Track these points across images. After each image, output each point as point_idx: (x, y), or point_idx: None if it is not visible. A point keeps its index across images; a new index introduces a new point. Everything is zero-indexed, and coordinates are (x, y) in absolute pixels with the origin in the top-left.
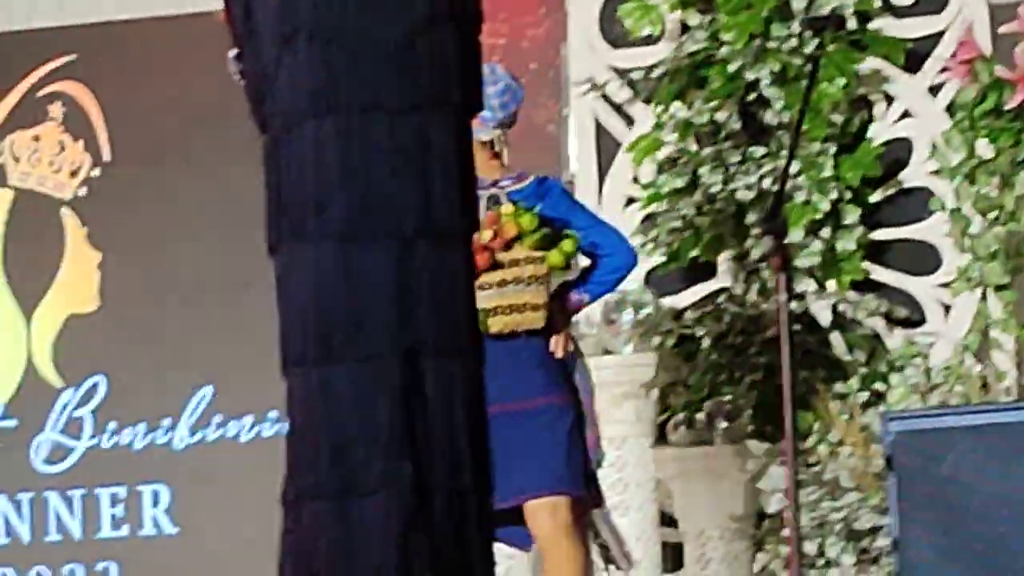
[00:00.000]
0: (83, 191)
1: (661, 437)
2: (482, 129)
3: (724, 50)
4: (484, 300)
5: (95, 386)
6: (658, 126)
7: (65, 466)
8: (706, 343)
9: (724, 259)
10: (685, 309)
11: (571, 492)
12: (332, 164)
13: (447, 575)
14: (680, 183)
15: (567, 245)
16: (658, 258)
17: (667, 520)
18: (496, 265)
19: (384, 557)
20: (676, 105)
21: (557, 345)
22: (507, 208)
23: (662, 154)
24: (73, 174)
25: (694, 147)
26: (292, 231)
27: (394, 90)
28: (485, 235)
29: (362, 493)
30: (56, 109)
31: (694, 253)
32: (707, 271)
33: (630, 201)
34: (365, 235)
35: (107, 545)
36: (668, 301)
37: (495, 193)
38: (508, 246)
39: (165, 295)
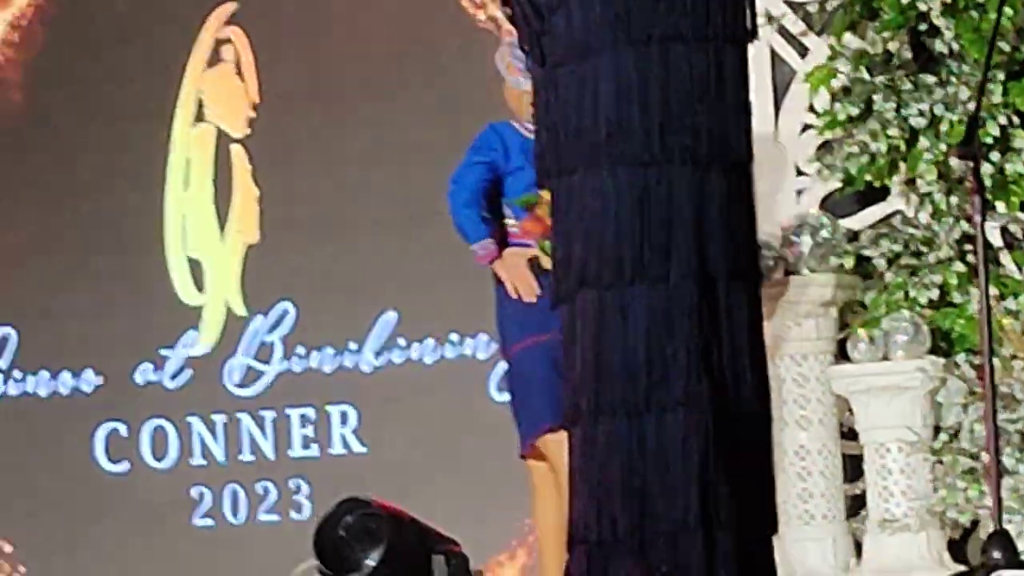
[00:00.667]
0: (248, 130)
1: (841, 354)
2: (526, 80)
3: None
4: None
5: (284, 313)
6: (832, 56)
7: (257, 389)
8: (881, 263)
9: (897, 182)
10: (861, 231)
11: None
12: (632, 92)
13: (743, 492)
14: (855, 111)
15: None
16: (835, 183)
17: (847, 434)
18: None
19: (684, 475)
20: (849, 36)
21: None
22: None
23: (837, 83)
24: (239, 115)
25: (867, 76)
26: (585, 157)
27: (690, 22)
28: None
29: (660, 411)
30: (228, 52)
31: (869, 177)
32: (881, 194)
33: (805, 128)
34: (663, 160)
35: (297, 464)
36: (845, 223)
37: None
38: None
39: (351, 223)
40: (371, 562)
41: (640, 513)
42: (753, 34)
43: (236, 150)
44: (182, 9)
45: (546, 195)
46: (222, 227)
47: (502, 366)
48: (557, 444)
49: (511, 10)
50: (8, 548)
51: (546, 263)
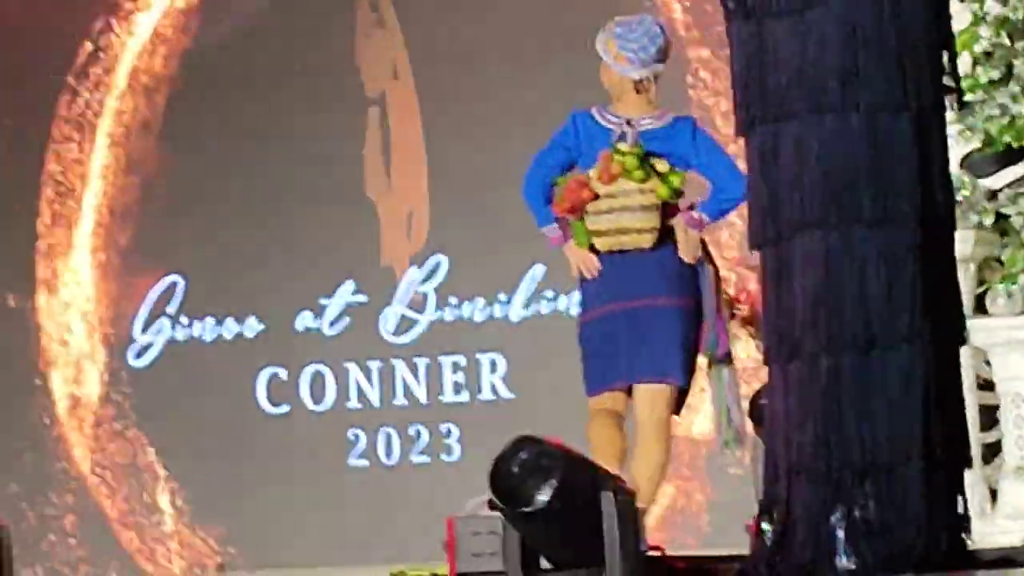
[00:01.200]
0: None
1: (979, 308)
2: (632, 68)
3: None
4: (592, 224)
5: (438, 264)
6: (975, 22)
7: (411, 337)
8: (1019, 221)
9: None
10: (999, 190)
11: (675, 382)
12: (861, 39)
13: (951, 418)
14: (996, 74)
15: (675, 181)
16: (975, 143)
17: (983, 385)
18: (599, 196)
19: (908, 411)
20: (991, 2)
21: (686, 251)
22: (622, 147)
23: (979, 48)
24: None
25: (1008, 42)
26: (813, 102)
27: None
28: (591, 172)
29: (886, 347)
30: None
31: (1008, 139)
32: (1019, 155)
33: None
34: (891, 107)
35: (449, 409)
36: (984, 183)
37: (625, 131)
38: (611, 179)
39: (501, 181)
40: (543, 497)
41: (865, 445)
42: None
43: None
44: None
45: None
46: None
47: None
48: (643, 396)
49: None
50: (175, 485)
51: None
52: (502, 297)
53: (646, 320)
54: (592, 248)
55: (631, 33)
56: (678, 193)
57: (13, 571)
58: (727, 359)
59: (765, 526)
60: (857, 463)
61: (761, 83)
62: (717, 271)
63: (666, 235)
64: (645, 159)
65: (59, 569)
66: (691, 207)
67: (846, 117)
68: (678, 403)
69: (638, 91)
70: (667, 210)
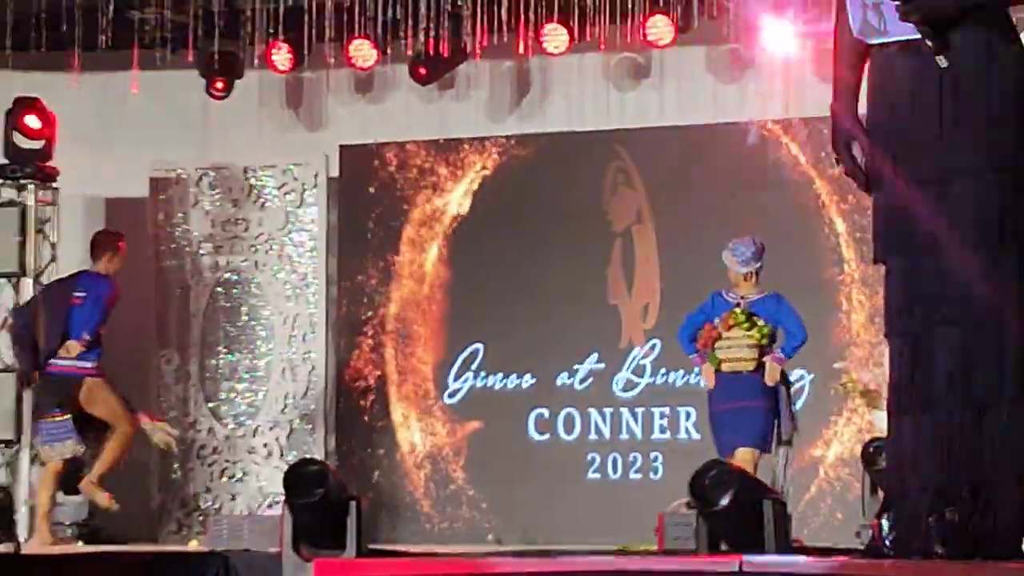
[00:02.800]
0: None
1: None
2: (744, 266)
3: None
4: (721, 354)
5: (655, 345)
6: None
7: (633, 394)
8: None
9: None
10: None
11: (760, 448)
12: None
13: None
14: None
15: (766, 330)
16: None
17: None
18: (722, 338)
19: (1000, 460)
20: None
21: (769, 378)
22: (737, 311)
23: None
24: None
25: None
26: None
27: None
28: (716, 322)
29: (988, 407)
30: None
31: None
32: None
33: None
34: (945, 180)
35: (656, 443)
36: None
37: (739, 302)
38: (729, 328)
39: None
40: (724, 501)
41: (937, 477)
42: None
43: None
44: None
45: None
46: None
47: None
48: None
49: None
50: (472, 491)
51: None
52: (696, 370)
53: (746, 414)
54: (717, 369)
55: (740, 247)
56: (771, 339)
57: None
58: (789, 442)
59: (884, 522)
60: (930, 486)
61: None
62: (789, 389)
63: (761, 365)
64: (750, 316)
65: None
66: (775, 349)
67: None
68: (757, 463)
69: (746, 279)
70: (762, 350)
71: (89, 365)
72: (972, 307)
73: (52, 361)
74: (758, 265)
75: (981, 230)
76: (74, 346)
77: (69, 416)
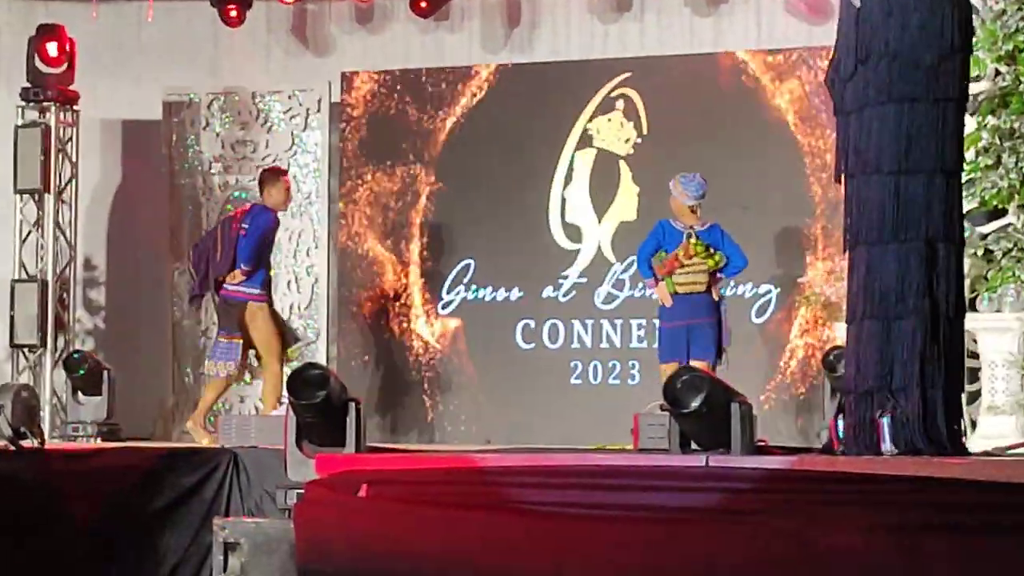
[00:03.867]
0: (632, 151)
1: (971, 307)
2: (695, 199)
3: None
4: (679, 278)
5: (631, 262)
6: (979, 128)
7: (613, 305)
8: (999, 254)
9: (1013, 207)
10: (988, 234)
11: (713, 360)
12: (889, 131)
13: (949, 370)
14: (989, 161)
15: (717, 259)
16: (975, 203)
17: (972, 355)
18: (683, 265)
19: (911, 360)
20: (989, 117)
21: (715, 293)
22: (692, 240)
23: (981, 144)
24: (626, 141)
25: (998, 141)
26: (860, 168)
27: (929, 90)
28: (679, 251)
29: (898, 317)
30: (620, 103)
31: (995, 202)
32: (1001, 212)
33: None
34: (906, 171)
35: (633, 351)
36: (979, 229)
37: (690, 232)
38: (689, 257)
39: None
40: (695, 404)
41: (886, 377)
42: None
43: (622, 164)
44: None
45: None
46: (597, 207)
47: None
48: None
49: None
50: (464, 396)
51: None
52: None
53: (700, 329)
54: (672, 291)
55: (693, 181)
56: (717, 265)
57: None
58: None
59: (839, 422)
60: (877, 388)
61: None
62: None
63: (710, 287)
64: (707, 246)
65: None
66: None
67: (881, 180)
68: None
69: (692, 211)
70: (712, 274)
71: (252, 291)
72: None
73: (224, 286)
74: (702, 200)
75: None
76: (236, 274)
77: (240, 341)
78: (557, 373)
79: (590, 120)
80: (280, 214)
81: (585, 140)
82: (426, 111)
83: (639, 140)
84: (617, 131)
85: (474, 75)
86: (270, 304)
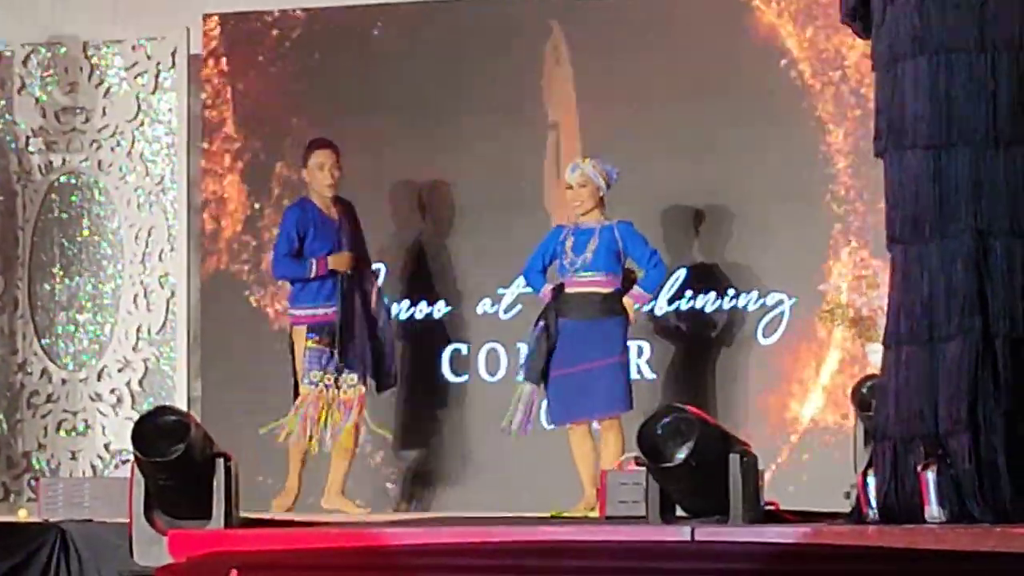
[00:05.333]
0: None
1: None
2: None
3: None
4: None
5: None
6: None
7: None
8: None
9: None
10: None
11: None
12: (924, 95)
13: (1006, 402)
14: None
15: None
16: None
17: None
18: None
19: (959, 387)
20: None
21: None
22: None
23: None
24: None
25: None
26: (894, 142)
27: (972, 35)
28: None
29: (944, 339)
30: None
31: None
32: None
33: None
34: (948, 144)
35: None
36: None
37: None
38: None
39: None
40: (681, 456)
41: (929, 419)
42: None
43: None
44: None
45: None
46: None
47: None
48: None
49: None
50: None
51: None
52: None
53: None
54: None
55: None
56: None
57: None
58: None
59: (869, 479)
60: (921, 434)
61: (879, 120)
62: None
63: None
64: None
65: None
66: None
67: (914, 154)
68: None
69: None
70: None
71: None
72: None
73: None
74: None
75: None
76: None
77: None
78: (497, 414)
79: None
80: (124, 202)
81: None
82: (315, 65)
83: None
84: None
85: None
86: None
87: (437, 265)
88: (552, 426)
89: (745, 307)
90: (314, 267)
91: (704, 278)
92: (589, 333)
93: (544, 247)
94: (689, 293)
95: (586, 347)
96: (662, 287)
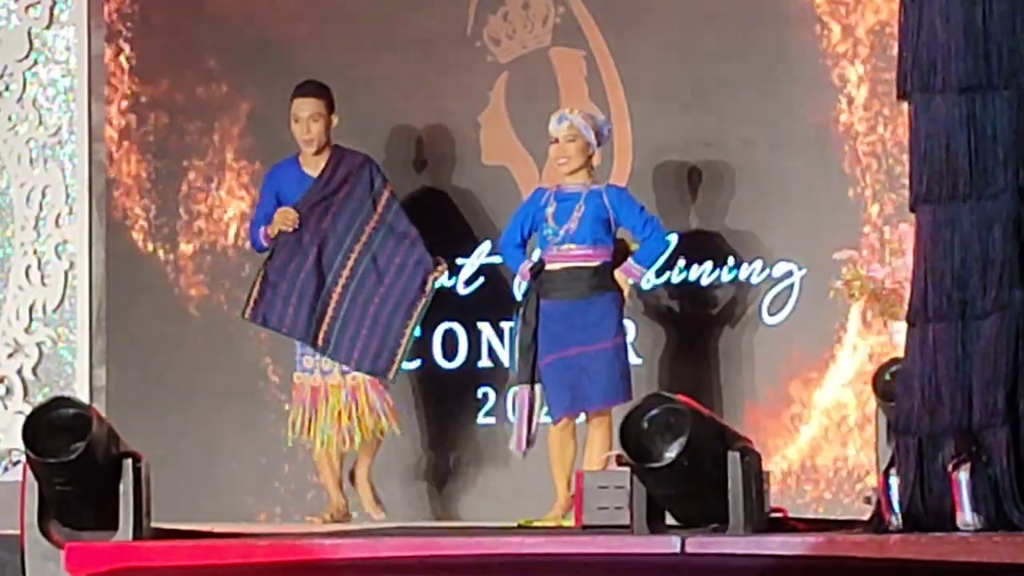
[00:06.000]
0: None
1: None
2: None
3: None
4: None
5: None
6: None
7: None
8: None
9: None
10: None
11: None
12: (957, 27)
13: None
14: None
15: None
16: None
17: None
18: None
19: (996, 371)
20: None
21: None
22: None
23: None
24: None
25: None
26: (920, 83)
27: None
28: None
29: (979, 316)
30: None
31: None
32: None
33: None
34: (986, 87)
35: None
36: None
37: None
38: None
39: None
40: (671, 454)
41: (961, 410)
42: None
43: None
44: None
45: None
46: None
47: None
48: None
49: None
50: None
51: None
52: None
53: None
54: None
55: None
56: None
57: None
58: None
59: (892, 480)
60: (950, 427)
61: (905, 61)
62: None
63: None
64: None
65: None
66: None
67: (945, 98)
68: None
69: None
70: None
71: None
72: None
73: None
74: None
75: None
76: None
77: None
78: (458, 405)
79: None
80: (12, 158)
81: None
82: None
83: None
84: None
85: None
86: None
87: None
88: (551, 422)
89: (748, 279)
90: (261, 237)
91: (700, 246)
92: (578, 314)
93: (522, 215)
94: (682, 263)
95: (575, 330)
96: (658, 260)
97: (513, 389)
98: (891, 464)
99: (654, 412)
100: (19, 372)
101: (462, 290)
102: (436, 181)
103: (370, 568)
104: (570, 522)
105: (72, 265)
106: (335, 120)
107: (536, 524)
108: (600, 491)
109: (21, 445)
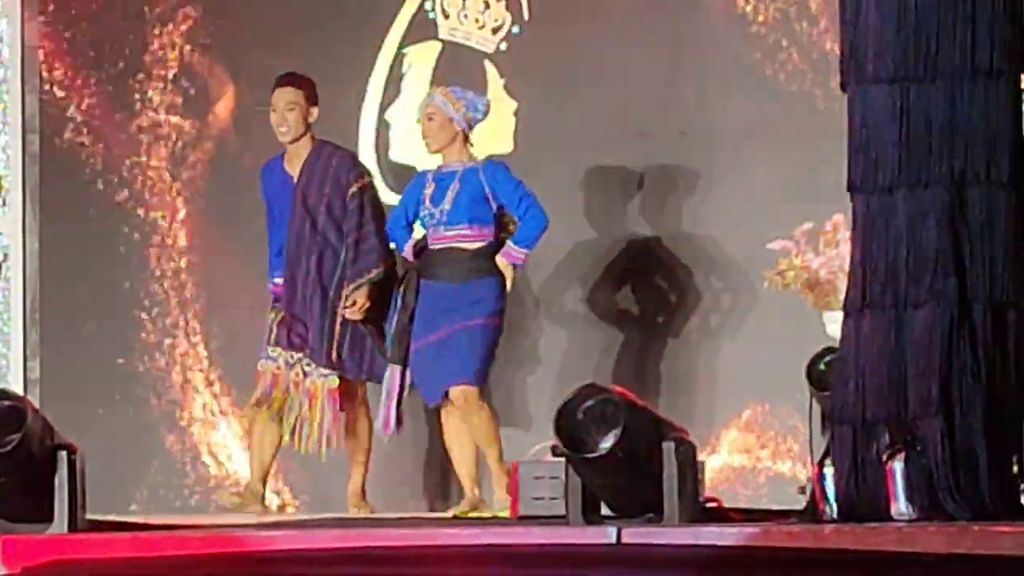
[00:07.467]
0: (504, 46)
1: None
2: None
3: None
4: None
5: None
6: None
7: None
8: None
9: None
10: None
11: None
12: (890, 17)
13: (987, 379)
14: None
15: None
16: None
17: None
18: None
19: (930, 361)
20: None
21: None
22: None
23: None
24: (495, 31)
25: None
26: (856, 73)
27: None
28: None
29: (913, 305)
30: None
31: None
32: None
33: None
34: (920, 77)
35: None
36: None
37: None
38: None
39: (575, 142)
40: (606, 445)
41: (895, 399)
42: None
43: (488, 65)
44: None
45: None
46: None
47: None
48: None
49: None
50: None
51: None
52: None
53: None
54: None
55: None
56: None
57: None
58: None
59: (827, 470)
60: (885, 416)
61: (845, 49)
62: None
63: None
64: None
65: None
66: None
67: (876, 88)
68: None
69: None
70: None
71: None
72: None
73: None
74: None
75: None
76: None
77: None
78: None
79: None
80: None
81: (423, 28)
82: None
83: (516, 29)
84: (478, 14)
85: None
86: None
87: None
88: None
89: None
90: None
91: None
92: (454, 297)
93: (406, 198)
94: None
95: (448, 313)
96: (538, 239)
97: (387, 371)
98: (826, 454)
99: (589, 403)
100: None
101: None
102: None
103: (305, 560)
104: (506, 513)
105: (5, 257)
106: (315, 112)
107: (473, 515)
108: (535, 481)
109: None
